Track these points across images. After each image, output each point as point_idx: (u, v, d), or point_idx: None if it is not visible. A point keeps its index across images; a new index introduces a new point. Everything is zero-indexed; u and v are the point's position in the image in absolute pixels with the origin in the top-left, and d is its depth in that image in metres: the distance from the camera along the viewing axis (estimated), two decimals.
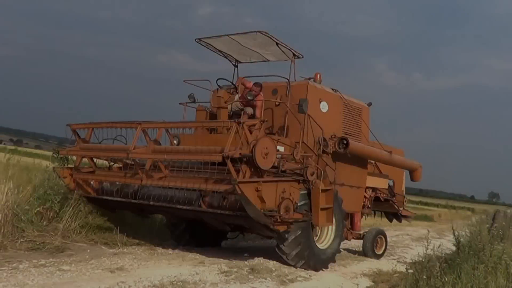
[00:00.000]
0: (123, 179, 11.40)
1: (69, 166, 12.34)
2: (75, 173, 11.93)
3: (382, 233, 15.44)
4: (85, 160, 12.18)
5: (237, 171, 9.54)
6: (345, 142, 12.34)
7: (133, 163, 11.10)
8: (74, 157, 12.44)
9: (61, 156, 12.46)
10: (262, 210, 9.57)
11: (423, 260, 10.61)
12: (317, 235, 11.80)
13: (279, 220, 9.87)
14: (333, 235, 11.96)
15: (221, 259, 10.94)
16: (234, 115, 12.33)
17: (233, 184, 9.08)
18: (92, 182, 12.13)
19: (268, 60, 13.59)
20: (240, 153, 9.42)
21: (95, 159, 12.13)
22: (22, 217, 10.41)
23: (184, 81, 12.86)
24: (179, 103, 12.99)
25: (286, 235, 10.60)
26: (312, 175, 10.91)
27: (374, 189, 15.03)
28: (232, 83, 12.81)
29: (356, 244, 16.44)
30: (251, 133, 9.81)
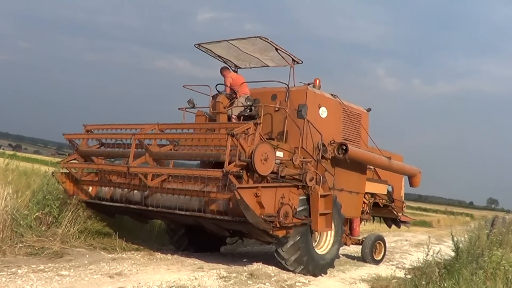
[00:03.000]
0: (124, 186, 11.49)
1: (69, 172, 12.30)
2: (70, 164, 11.98)
3: (381, 239, 15.42)
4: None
5: (237, 177, 9.58)
6: (344, 147, 12.34)
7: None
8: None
9: (62, 167, 12.38)
10: (261, 216, 9.57)
11: (422, 265, 10.60)
12: (316, 241, 11.79)
13: (278, 225, 9.88)
14: (332, 240, 11.95)
15: (220, 264, 10.94)
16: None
17: (233, 189, 9.10)
18: (90, 189, 12.14)
19: (268, 66, 13.62)
20: (239, 159, 9.46)
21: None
22: (21, 222, 10.41)
23: (183, 86, 12.88)
24: (178, 108, 13.03)
25: (285, 241, 10.60)
26: (311, 180, 10.92)
27: (373, 195, 15.03)
28: (232, 88, 12.81)
29: (355, 249, 16.43)
30: (246, 140, 9.80)
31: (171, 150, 11.28)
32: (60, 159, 13.12)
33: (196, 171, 10.33)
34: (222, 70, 13.15)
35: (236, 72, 13.90)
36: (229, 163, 9.49)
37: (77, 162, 12.17)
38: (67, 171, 12.17)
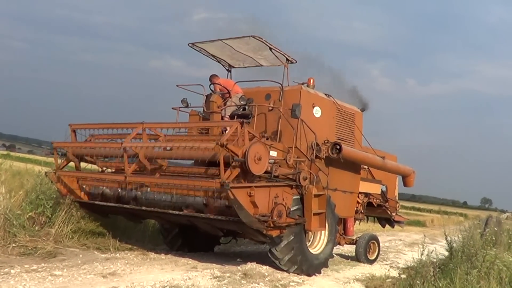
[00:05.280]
0: (109, 176, 11.49)
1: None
2: (62, 172, 11.91)
3: (375, 238, 15.43)
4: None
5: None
6: (338, 147, 12.33)
7: (123, 168, 11.09)
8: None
9: (55, 147, 12.29)
10: (254, 215, 9.56)
11: (416, 265, 10.61)
12: (310, 240, 11.78)
13: (271, 225, 9.87)
14: (326, 240, 11.95)
15: (214, 264, 10.92)
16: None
17: (226, 189, 9.07)
18: (84, 186, 12.11)
19: (262, 65, 13.59)
20: (233, 160, 9.44)
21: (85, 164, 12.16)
22: (14, 222, 10.38)
23: (177, 85, 12.85)
24: (172, 108, 12.98)
25: (279, 240, 10.59)
26: (305, 180, 10.90)
27: (367, 194, 15.03)
28: (226, 88, 12.79)
29: (349, 249, 16.43)
30: (236, 144, 9.78)
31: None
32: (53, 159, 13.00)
33: (193, 182, 10.22)
34: (211, 78, 13.04)
35: (230, 71, 13.91)
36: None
37: (67, 170, 12.19)
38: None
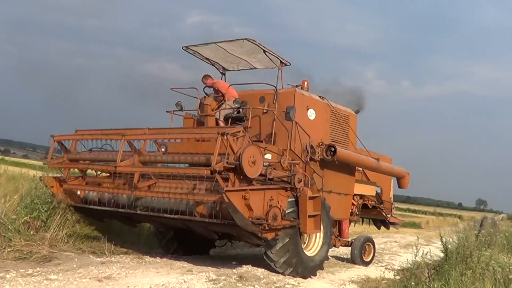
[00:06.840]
0: (112, 189, 11.43)
1: (57, 176, 12.25)
2: (64, 184, 11.91)
3: (370, 240, 15.44)
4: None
5: (226, 179, 9.59)
6: (332, 149, 12.35)
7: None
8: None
9: (49, 168, 12.36)
10: (249, 218, 9.56)
11: (411, 266, 10.62)
12: (305, 243, 11.78)
13: (266, 227, 9.87)
14: (321, 242, 11.94)
15: (209, 267, 10.91)
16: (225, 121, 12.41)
17: (221, 193, 9.09)
18: (79, 192, 12.10)
19: (256, 68, 13.62)
20: (227, 162, 9.44)
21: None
22: (9, 227, 10.37)
23: (171, 89, 12.86)
24: (166, 111, 12.98)
25: (274, 243, 10.58)
26: (299, 182, 10.90)
27: (362, 196, 15.02)
28: (220, 91, 12.81)
29: (344, 251, 16.45)
30: (236, 140, 9.81)
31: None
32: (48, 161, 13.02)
33: (183, 170, 10.31)
34: (204, 78, 13.05)
35: (224, 74, 13.93)
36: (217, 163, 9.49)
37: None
38: (56, 175, 12.14)
